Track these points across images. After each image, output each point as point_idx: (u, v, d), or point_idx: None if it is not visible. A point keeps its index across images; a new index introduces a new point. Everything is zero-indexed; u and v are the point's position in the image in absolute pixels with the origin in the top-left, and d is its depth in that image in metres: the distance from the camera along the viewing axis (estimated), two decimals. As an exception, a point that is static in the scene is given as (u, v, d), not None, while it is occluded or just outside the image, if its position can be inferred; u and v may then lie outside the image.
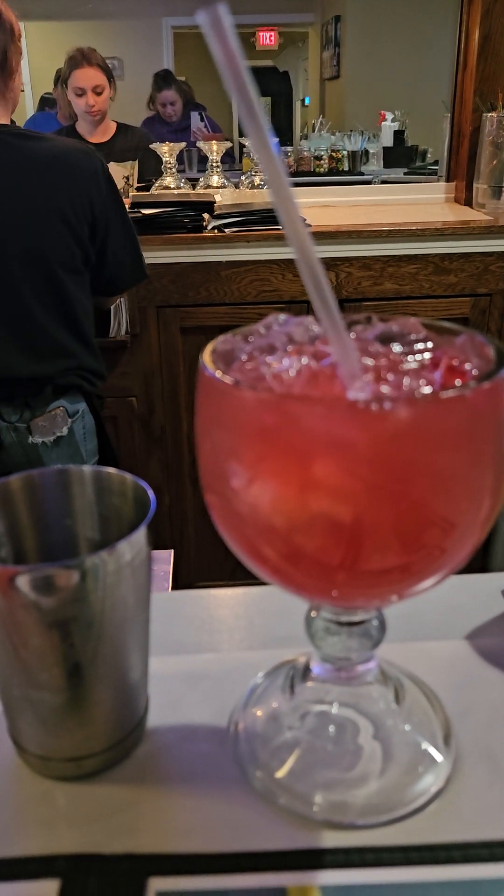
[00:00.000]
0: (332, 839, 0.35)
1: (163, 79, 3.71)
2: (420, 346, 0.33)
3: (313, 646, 0.39)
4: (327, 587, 0.34)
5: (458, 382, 0.30)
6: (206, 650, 0.48)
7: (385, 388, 0.28)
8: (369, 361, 0.30)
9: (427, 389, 0.29)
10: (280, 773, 0.38)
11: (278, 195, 0.28)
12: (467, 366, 0.31)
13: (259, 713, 0.41)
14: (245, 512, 0.32)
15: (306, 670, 0.40)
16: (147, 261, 1.60)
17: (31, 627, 0.33)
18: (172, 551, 1.18)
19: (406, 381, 0.29)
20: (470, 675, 0.44)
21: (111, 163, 1.84)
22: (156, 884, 0.32)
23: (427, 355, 0.31)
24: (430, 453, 0.28)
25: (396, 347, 0.33)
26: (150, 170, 2.43)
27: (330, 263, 1.96)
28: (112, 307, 1.74)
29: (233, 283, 1.93)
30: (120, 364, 1.91)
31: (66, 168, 1.28)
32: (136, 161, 2.27)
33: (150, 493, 0.36)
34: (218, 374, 0.30)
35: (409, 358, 0.31)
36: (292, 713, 0.40)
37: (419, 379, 0.29)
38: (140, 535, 0.34)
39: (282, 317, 0.36)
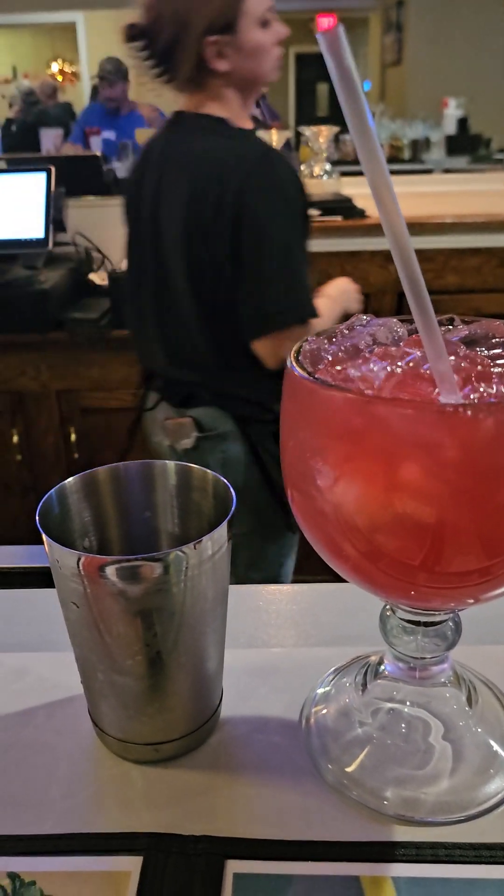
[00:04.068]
0: (403, 834, 0.35)
1: None
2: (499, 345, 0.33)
3: (387, 644, 0.39)
4: (406, 587, 0.34)
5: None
6: (275, 645, 0.49)
7: (476, 394, 0.28)
8: (458, 364, 0.31)
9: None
10: (351, 768, 0.38)
11: (380, 189, 0.28)
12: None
13: (330, 708, 0.42)
14: (328, 510, 0.32)
15: (379, 668, 0.41)
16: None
17: (117, 615, 0.34)
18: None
19: (497, 386, 0.29)
20: (541, 679, 0.44)
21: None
22: (233, 866, 0.34)
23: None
24: (517, 458, 0.28)
25: (483, 351, 0.33)
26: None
27: (390, 256, 1.93)
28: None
29: (292, 275, 1.92)
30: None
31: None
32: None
33: (231, 489, 0.37)
34: (306, 374, 0.30)
35: (499, 361, 0.31)
36: (364, 709, 0.41)
37: (508, 384, 0.29)
38: (222, 531, 0.35)
39: (364, 317, 0.36)
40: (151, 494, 0.40)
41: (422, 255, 1.79)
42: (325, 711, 0.41)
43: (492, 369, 0.30)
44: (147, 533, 0.41)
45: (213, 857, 0.34)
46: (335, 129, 2.23)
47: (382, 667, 0.40)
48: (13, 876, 0.33)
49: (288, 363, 0.32)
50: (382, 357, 0.32)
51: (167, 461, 0.40)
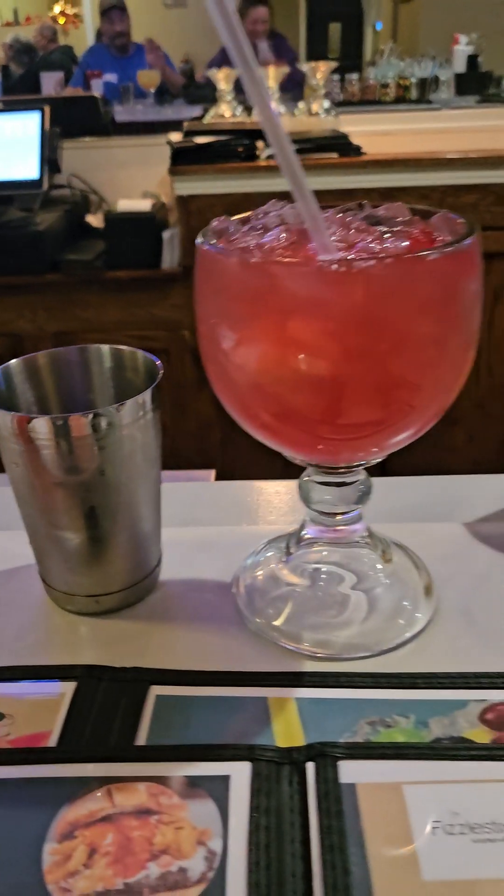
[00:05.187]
0: (312, 667, 0.40)
1: None
2: (400, 224, 0.36)
3: (306, 507, 0.43)
4: (313, 441, 0.38)
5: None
6: (221, 524, 0.53)
7: (351, 254, 0.31)
8: (348, 234, 0.34)
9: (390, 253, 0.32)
10: (273, 619, 0.43)
11: (256, 91, 0.30)
12: (437, 237, 0.34)
13: (259, 571, 0.46)
14: (236, 374, 0.36)
15: (301, 532, 0.45)
16: (199, 191, 1.61)
17: (51, 472, 0.38)
18: (214, 471, 1.23)
19: (373, 248, 0.32)
20: (460, 550, 0.48)
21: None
22: (156, 690, 0.38)
23: (399, 229, 0.34)
24: (394, 313, 0.32)
25: (378, 226, 0.36)
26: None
27: (385, 193, 1.92)
28: (165, 238, 1.77)
29: (286, 213, 1.92)
30: (171, 296, 1.95)
31: None
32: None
33: (158, 363, 0.40)
34: (207, 244, 0.33)
35: (383, 232, 0.34)
36: (289, 570, 0.45)
37: (386, 246, 0.32)
38: (145, 397, 0.39)
39: (279, 203, 0.39)
40: (89, 376, 0.44)
41: (418, 191, 1.78)
42: (254, 573, 0.46)
43: (375, 237, 0.33)
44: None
45: (140, 683, 0.38)
46: (333, 64, 2.19)
47: (304, 531, 0.44)
48: (-36, 697, 0.38)
49: (197, 239, 0.35)
50: (279, 230, 0.35)
51: (101, 345, 0.43)
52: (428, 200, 1.95)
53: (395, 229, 0.35)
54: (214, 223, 0.36)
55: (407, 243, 0.32)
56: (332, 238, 0.34)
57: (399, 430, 0.37)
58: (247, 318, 0.33)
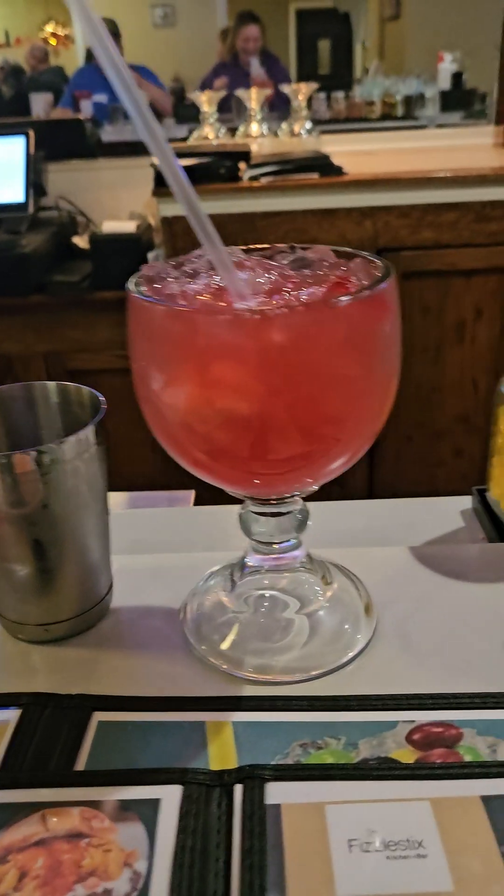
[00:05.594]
0: (251, 691, 0.41)
1: (250, 14, 3.54)
2: (324, 268, 0.38)
3: (248, 537, 0.44)
4: (246, 477, 0.39)
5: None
6: (176, 551, 0.54)
7: (266, 301, 0.33)
8: (268, 281, 0.35)
9: (304, 300, 0.34)
10: (218, 644, 0.44)
11: (151, 138, 0.32)
12: (354, 281, 0.35)
13: (206, 599, 0.47)
14: (168, 414, 0.38)
15: (244, 561, 0.46)
16: (183, 212, 1.63)
17: (-1, 508, 0.40)
18: (193, 492, 1.25)
19: (288, 294, 0.34)
20: (402, 574, 0.49)
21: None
22: (99, 716, 0.40)
23: (319, 273, 0.36)
24: (308, 356, 0.33)
25: (304, 271, 0.38)
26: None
27: (367, 212, 1.95)
28: (150, 259, 1.80)
29: (269, 233, 1.95)
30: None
31: None
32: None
33: (101, 398, 0.42)
34: (137, 291, 0.35)
35: (304, 278, 0.36)
36: (234, 599, 0.46)
37: (304, 293, 0.34)
38: (88, 433, 0.40)
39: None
40: (36, 413, 0.45)
41: (398, 210, 1.80)
42: (201, 601, 0.47)
43: (296, 284, 0.35)
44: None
45: (83, 709, 0.40)
46: (314, 85, 2.23)
47: (246, 559, 0.46)
48: None
49: (127, 284, 0.37)
50: (207, 275, 0.36)
51: (47, 382, 0.45)
52: (408, 219, 1.98)
53: (318, 273, 0.37)
54: (146, 268, 0.38)
55: (321, 289, 0.34)
56: (260, 281, 0.36)
57: (330, 461, 0.39)
58: (171, 361, 0.35)
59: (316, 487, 0.41)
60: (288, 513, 0.43)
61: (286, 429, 0.36)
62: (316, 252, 0.40)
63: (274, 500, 0.41)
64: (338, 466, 0.39)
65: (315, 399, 0.35)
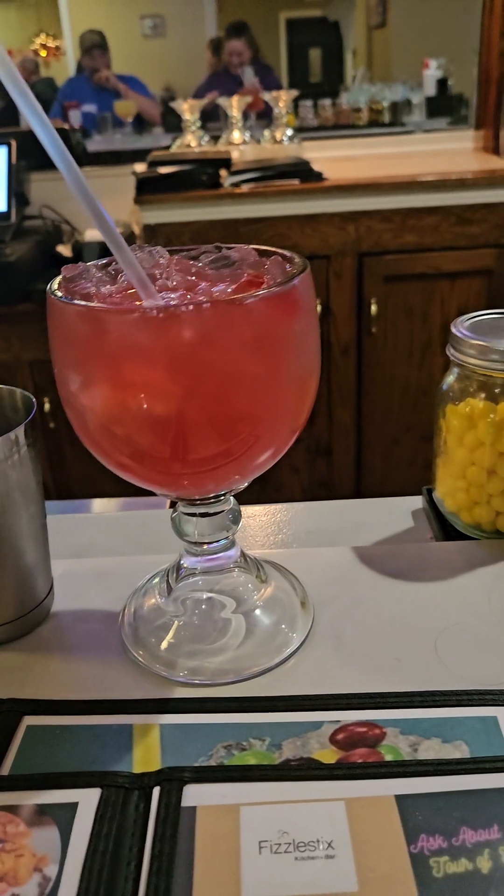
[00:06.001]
0: (182, 694, 0.41)
1: (235, 28, 3.56)
2: (244, 267, 0.38)
3: (181, 539, 0.44)
4: (173, 479, 0.39)
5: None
6: (120, 554, 0.54)
7: (173, 300, 0.33)
8: (182, 280, 0.35)
9: (209, 298, 0.34)
10: (154, 647, 0.44)
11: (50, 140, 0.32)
12: (267, 279, 0.35)
13: (144, 602, 0.47)
14: (88, 416, 0.37)
15: (180, 563, 0.46)
16: (165, 219, 1.64)
17: None
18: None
19: (198, 293, 0.34)
20: (342, 573, 0.49)
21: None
22: (28, 720, 0.39)
23: (234, 272, 0.36)
24: (217, 354, 0.33)
25: (223, 269, 0.38)
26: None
27: (349, 217, 1.96)
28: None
29: (252, 239, 1.95)
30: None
31: None
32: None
33: (32, 399, 0.42)
34: (53, 292, 0.35)
35: (221, 277, 0.36)
36: (171, 602, 0.46)
37: (214, 291, 0.34)
38: (17, 433, 0.40)
39: (138, 249, 0.41)
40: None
41: (380, 214, 1.81)
42: (139, 604, 0.47)
43: (207, 282, 0.35)
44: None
45: (13, 714, 0.40)
46: (294, 92, 2.24)
47: (182, 561, 0.46)
48: None
49: (47, 287, 0.37)
50: (125, 276, 0.36)
51: (-20, 384, 0.45)
52: (390, 223, 1.98)
53: (236, 272, 0.37)
54: (67, 269, 0.38)
55: (231, 287, 0.34)
56: (173, 282, 0.36)
57: (253, 457, 0.38)
58: (84, 362, 0.35)
59: (245, 483, 0.41)
60: (219, 512, 0.43)
61: (202, 428, 0.36)
62: (238, 251, 0.40)
63: (206, 499, 0.41)
64: (263, 461, 0.39)
65: (227, 397, 0.35)
